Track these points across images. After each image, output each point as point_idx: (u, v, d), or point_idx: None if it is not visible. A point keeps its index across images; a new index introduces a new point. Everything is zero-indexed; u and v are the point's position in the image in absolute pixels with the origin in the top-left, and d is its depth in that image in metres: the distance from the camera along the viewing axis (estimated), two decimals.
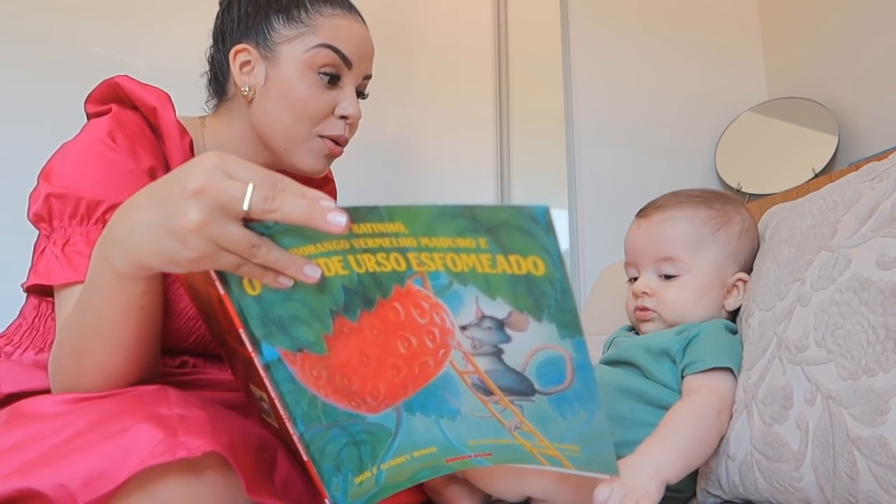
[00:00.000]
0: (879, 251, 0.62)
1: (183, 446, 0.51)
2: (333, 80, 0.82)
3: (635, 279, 0.88)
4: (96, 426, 0.53)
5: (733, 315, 0.85)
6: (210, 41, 0.87)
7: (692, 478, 0.75)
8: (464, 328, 0.49)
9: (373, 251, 0.48)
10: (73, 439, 0.52)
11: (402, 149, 1.73)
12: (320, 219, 0.46)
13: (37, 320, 0.77)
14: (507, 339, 0.48)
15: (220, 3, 0.87)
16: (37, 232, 0.74)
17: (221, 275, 0.50)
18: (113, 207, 0.68)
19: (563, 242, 1.78)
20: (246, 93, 0.81)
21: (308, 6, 0.81)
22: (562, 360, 0.48)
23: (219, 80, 0.86)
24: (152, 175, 0.74)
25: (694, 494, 0.77)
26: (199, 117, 0.88)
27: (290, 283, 0.49)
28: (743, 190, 1.85)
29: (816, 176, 1.70)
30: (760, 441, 0.66)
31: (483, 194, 1.79)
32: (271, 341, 0.52)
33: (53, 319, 0.75)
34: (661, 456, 0.64)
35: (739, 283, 0.84)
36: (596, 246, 1.79)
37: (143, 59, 1.49)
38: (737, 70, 2.06)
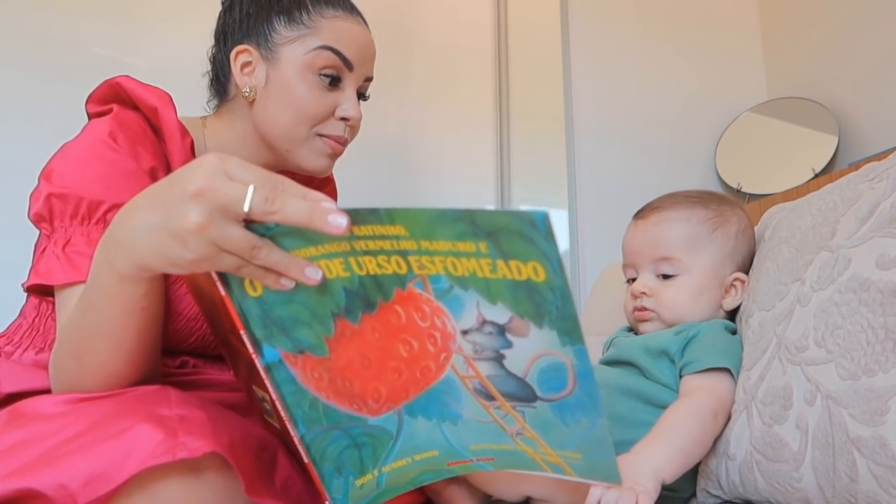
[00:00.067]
0: (879, 251, 0.62)
1: (183, 447, 0.51)
2: (334, 81, 0.81)
3: (633, 280, 0.88)
4: (97, 426, 0.53)
5: (731, 315, 0.86)
6: (210, 41, 0.87)
7: (692, 478, 0.75)
8: (465, 332, 0.49)
9: (374, 253, 0.48)
10: (73, 439, 0.52)
11: (402, 149, 1.73)
12: (321, 220, 0.45)
13: (37, 320, 0.77)
14: (509, 345, 0.48)
15: (223, 3, 0.87)
16: (37, 232, 0.74)
17: (223, 276, 0.50)
18: (114, 207, 0.68)
19: (563, 243, 1.78)
20: (247, 94, 0.81)
21: (310, 7, 0.81)
22: (563, 367, 0.48)
23: (220, 81, 0.86)
24: (153, 175, 0.74)
25: (694, 494, 0.77)
26: (201, 117, 0.88)
27: (291, 284, 0.49)
28: (743, 190, 1.85)
29: (816, 176, 1.70)
30: (760, 441, 0.66)
31: (483, 194, 1.79)
32: (272, 343, 0.52)
33: (54, 319, 0.75)
34: (658, 455, 0.64)
35: (737, 283, 0.84)
36: (596, 246, 1.79)
37: (144, 59, 1.49)
38: (737, 70, 2.06)
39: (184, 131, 0.80)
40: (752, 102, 2.00)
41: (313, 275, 0.49)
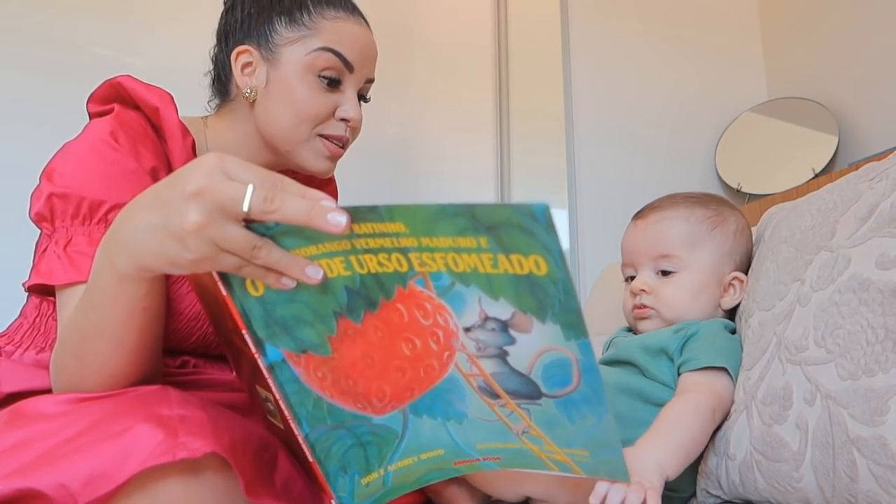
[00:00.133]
0: (879, 251, 0.62)
1: (183, 447, 0.51)
2: (334, 83, 0.81)
3: (632, 279, 0.88)
4: (97, 426, 0.53)
5: (730, 314, 0.86)
6: (211, 41, 0.87)
7: (692, 477, 0.75)
8: (468, 330, 0.49)
9: (374, 251, 0.48)
10: (73, 439, 0.52)
11: (402, 149, 1.73)
12: (320, 219, 0.45)
13: (38, 320, 0.77)
14: (512, 341, 0.48)
15: (224, 3, 0.87)
16: (38, 231, 0.74)
17: (224, 276, 0.50)
18: (115, 207, 0.68)
19: (564, 242, 1.76)
20: (247, 94, 0.81)
21: (311, 8, 0.81)
22: (568, 362, 0.47)
23: (221, 81, 0.86)
24: (154, 175, 0.74)
25: (694, 494, 0.77)
26: (202, 117, 0.88)
27: (292, 284, 0.49)
28: (743, 190, 1.85)
29: (816, 176, 1.70)
30: (760, 441, 0.66)
31: (483, 194, 1.79)
32: (275, 342, 0.52)
33: (54, 319, 0.75)
34: (660, 451, 0.64)
35: (735, 282, 0.85)
36: (596, 246, 1.79)
37: (144, 59, 1.49)
38: (737, 70, 2.06)
39: (185, 131, 0.80)
40: (752, 102, 2.00)
41: (314, 274, 0.49)
